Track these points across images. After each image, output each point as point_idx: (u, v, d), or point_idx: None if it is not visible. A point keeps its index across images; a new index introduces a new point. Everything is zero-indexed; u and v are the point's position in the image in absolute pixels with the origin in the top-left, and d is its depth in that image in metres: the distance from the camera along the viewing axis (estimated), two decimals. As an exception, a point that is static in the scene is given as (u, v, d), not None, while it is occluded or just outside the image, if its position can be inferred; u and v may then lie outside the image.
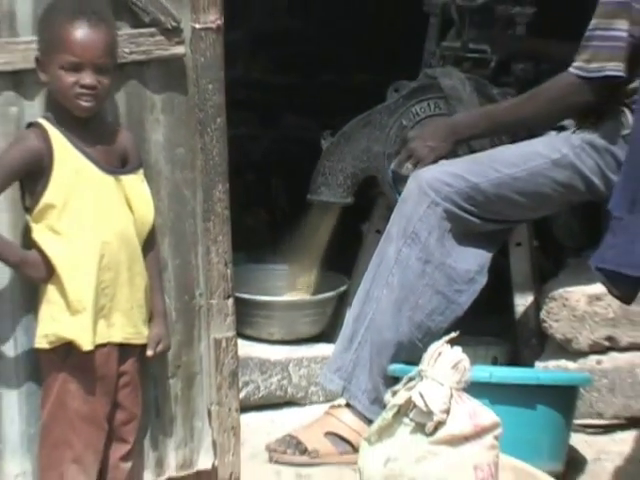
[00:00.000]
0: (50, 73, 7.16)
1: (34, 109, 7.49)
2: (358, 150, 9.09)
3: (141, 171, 7.59)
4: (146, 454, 7.76)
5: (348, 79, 9.63)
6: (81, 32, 7.00)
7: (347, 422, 8.20)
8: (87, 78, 7.14)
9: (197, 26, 7.69)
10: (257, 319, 8.99)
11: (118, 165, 7.50)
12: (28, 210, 7.36)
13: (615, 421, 8.34)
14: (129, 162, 7.55)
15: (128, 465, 7.56)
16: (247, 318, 8.80)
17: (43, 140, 7.22)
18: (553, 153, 8.31)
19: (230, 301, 7.84)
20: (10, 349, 7.64)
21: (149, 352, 7.54)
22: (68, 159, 7.24)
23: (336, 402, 8.37)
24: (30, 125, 7.37)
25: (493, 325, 8.86)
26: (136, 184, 7.52)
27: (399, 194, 8.44)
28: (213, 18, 7.71)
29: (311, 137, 9.43)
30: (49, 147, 7.25)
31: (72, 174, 7.26)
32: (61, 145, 7.24)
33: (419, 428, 6.90)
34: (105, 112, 7.58)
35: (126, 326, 7.38)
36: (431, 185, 8.24)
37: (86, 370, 7.33)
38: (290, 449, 8.25)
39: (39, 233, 7.27)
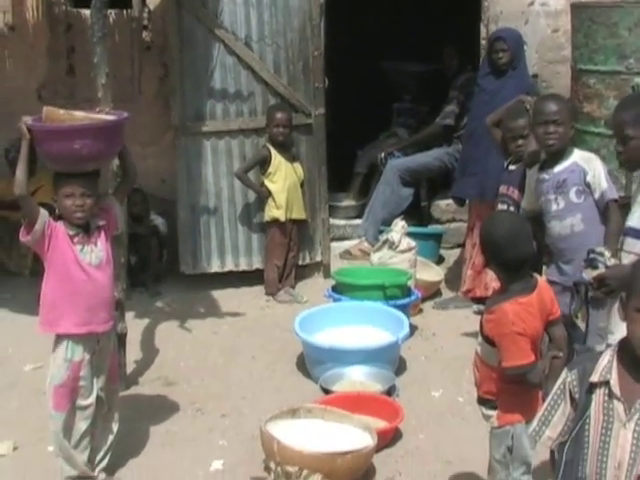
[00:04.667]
0: None
1: (262, 139, 7.78)
2: (369, 155, 9.15)
3: (299, 160, 7.87)
4: (300, 255, 7.99)
5: (366, 132, 9.50)
6: None
7: (366, 246, 8.23)
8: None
9: (316, 113, 7.95)
10: (336, 211, 8.78)
11: (292, 158, 7.73)
12: (262, 173, 7.65)
13: (454, 245, 8.42)
14: (296, 157, 7.80)
15: (294, 260, 7.85)
16: (334, 210, 8.66)
17: (269, 151, 7.59)
18: (435, 154, 8.52)
19: (327, 206, 8.21)
20: (254, 221, 7.89)
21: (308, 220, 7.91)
22: (276, 157, 7.64)
23: (362, 239, 8.43)
24: (264, 146, 7.66)
25: (414, 214, 8.54)
26: (297, 165, 7.83)
27: (384, 168, 8.63)
28: (322, 110, 7.94)
29: (354, 152, 9.36)
30: (270, 153, 7.60)
31: (277, 162, 7.65)
32: (274, 152, 7.62)
33: (390, 247, 7.34)
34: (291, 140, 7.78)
35: (296, 212, 7.77)
36: (394, 166, 8.55)
37: (282, 228, 7.64)
38: (347, 254, 8.35)
39: (266, 181, 7.66)
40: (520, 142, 6.00)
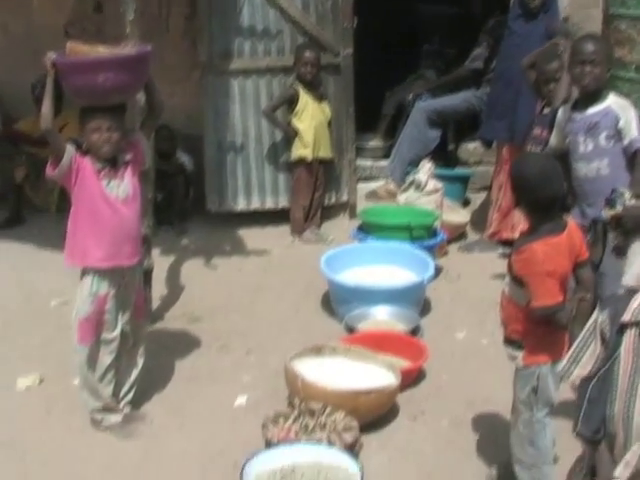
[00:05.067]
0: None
1: (289, 78, 7.66)
2: (397, 96, 8.90)
3: (327, 100, 7.76)
4: (326, 195, 7.94)
5: (394, 74, 9.34)
6: None
7: (392, 186, 8.00)
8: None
9: (344, 53, 7.86)
10: (363, 152, 8.51)
11: (320, 97, 7.63)
12: (290, 112, 7.57)
13: (481, 187, 8.16)
14: (323, 96, 7.69)
15: (320, 200, 7.78)
16: (361, 151, 8.42)
17: (296, 90, 7.48)
18: (463, 97, 8.28)
19: (354, 146, 8.14)
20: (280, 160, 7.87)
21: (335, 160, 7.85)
22: (304, 96, 7.54)
23: (388, 180, 8.19)
24: (292, 84, 7.55)
25: (441, 156, 8.29)
26: (325, 105, 7.74)
27: (412, 110, 8.44)
28: (350, 50, 7.85)
29: (382, 93, 9.01)
30: (298, 92, 7.50)
31: (304, 101, 7.56)
32: (302, 92, 7.53)
33: (417, 188, 7.31)
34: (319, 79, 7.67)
35: (323, 152, 7.68)
36: (421, 107, 8.35)
37: (308, 167, 7.56)
38: (373, 195, 8.16)
39: (293, 120, 7.58)
40: (552, 85, 5.98)
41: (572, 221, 4.01)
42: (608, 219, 4.25)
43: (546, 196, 3.80)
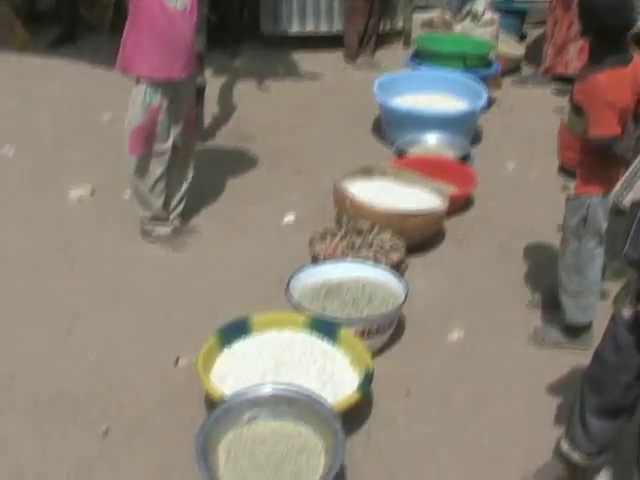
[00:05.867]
0: None
1: None
2: None
3: None
4: (381, 22, 7.71)
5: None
6: None
7: (447, 16, 7.47)
8: None
9: None
10: None
11: None
12: None
13: (538, 21, 7.71)
14: None
15: (375, 26, 7.50)
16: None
17: None
18: None
19: None
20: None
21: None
22: None
23: (444, 9, 7.56)
24: None
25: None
26: None
27: None
28: None
29: None
30: None
31: None
32: None
33: (474, 19, 7.13)
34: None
35: None
36: None
37: None
38: (428, 24, 7.68)
39: None
40: None
41: (638, 56, 3.80)
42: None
43: (614, 25, 3.62)
